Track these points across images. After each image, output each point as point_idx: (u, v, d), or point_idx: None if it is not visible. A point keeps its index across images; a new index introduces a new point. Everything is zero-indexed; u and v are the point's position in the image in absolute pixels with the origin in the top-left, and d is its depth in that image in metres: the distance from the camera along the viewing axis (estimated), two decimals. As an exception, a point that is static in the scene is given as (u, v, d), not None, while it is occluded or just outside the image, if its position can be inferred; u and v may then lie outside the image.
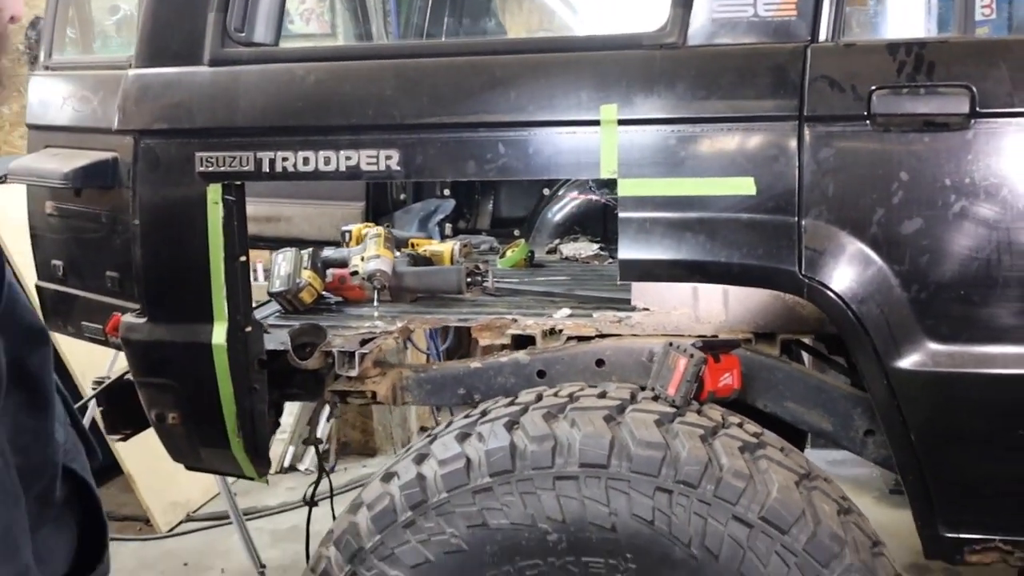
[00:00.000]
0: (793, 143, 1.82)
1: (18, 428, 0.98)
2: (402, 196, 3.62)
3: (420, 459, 1.85)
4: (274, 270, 2.54)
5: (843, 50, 1.85)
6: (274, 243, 3.35)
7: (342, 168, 1.97)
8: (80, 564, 1.12)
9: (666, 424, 1.78)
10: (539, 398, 1.91)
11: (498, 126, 1.93)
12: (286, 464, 4.81)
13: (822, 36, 1.85)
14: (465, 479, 1.78)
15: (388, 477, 1.87)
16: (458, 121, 1.94)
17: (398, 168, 1.95)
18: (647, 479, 1.70)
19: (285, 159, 1.99)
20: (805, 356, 2.83)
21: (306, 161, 1.98)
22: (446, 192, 3.58)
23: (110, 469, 4.11)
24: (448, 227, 3.52)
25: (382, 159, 1.95)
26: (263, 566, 3.38)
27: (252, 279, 2.16)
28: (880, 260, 1.80)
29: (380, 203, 3.50)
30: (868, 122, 1.79)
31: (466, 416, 1.95)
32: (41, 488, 1.04)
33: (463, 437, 1.85)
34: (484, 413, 1.92)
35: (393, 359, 2.44)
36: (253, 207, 3.37)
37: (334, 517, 2.11)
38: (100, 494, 1.18)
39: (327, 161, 1.97)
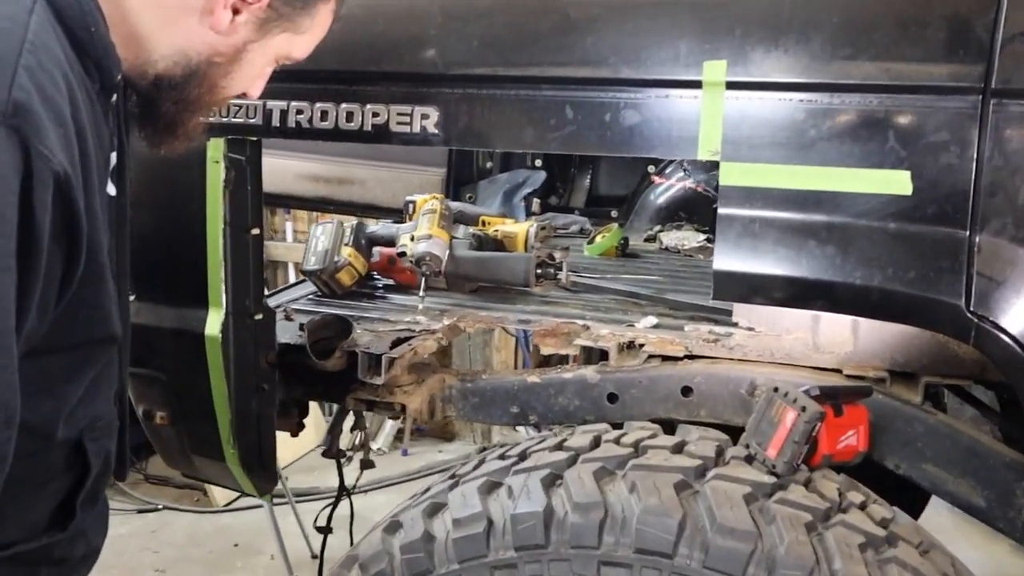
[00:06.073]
0: (972, 127, 1.37)
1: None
2: (488, 164, 3.23)
3: (433, 511, 1.44)
4: (310, 245, 2.19)
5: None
6: (346, 207, 3.08)
7: (367, 127, 1.59)
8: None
9: (760, 500, 1.32)
10: (596, 443, 1.47)
11: (567, 82, 1.53)
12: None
13: (1025, -23, 1.34)
14: (483, 549, 1.36)
15: (392, 528, 1.47)
16: (517, 74, 1.56)
17: (435, 131, 1.56)
18: (726, 580, 1.25)
19: (299, 112, 1.61)
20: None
21: (324, 115, 1.60)
22: (537, 163, 3.18)
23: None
24: (536, 203, 3.13)
25: (417, 118, 1.55)
26: (315, 555, 3.15)
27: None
28: (1084, 298, 1.30)
29: (463, 171, 3.16)
30: (1086, 102, 1.29)
31: (502, 456, 1.53)
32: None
33: (490, 488, 1.43)
34: (523, 456, 1.49)
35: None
36: (324, 167, 3.09)
37: (352, 540, 1.73)
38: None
39: (349, 117, 1.59)
